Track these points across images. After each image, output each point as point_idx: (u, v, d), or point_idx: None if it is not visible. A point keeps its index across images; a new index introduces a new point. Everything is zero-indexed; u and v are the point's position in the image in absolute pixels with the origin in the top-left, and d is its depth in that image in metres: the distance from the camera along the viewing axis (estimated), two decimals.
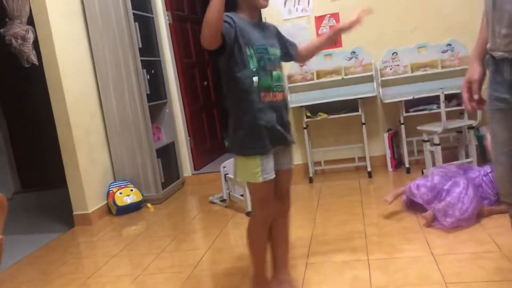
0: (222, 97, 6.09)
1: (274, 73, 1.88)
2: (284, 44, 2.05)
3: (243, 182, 1.99)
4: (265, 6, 1.87)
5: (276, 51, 1.93)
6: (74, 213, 3.79)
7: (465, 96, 1.65)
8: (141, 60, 4.01)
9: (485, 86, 1.64)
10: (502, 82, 1.50)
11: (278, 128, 1.89)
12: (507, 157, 1.57)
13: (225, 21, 1.73)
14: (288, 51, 2.08)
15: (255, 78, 1.81)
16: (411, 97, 3.83)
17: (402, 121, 4.00)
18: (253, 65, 1.82)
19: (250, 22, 1.87)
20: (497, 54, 1.49)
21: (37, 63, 3.72)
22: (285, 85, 1.94)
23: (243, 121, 1.87)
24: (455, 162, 3.57)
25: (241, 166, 1.92)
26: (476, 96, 1.62)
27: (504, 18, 1.41)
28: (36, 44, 3.66)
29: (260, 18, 1.92)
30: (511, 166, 1.57)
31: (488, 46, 1.55)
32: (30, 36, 3.65)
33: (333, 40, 2.16)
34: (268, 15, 4.31)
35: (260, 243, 2.02)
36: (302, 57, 2.19)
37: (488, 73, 1.60)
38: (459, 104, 3.84)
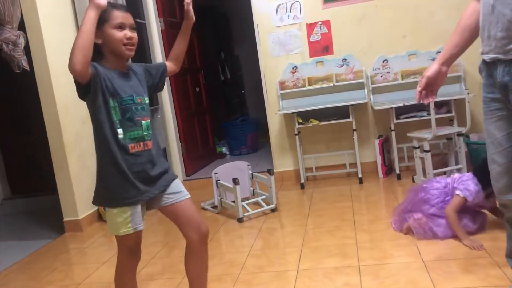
0: (215, 103, 6.12)
1: (143, 122, 1.79)
2: (153, 77, 1.92)
3: (112, 234, 1.87)
4: (130, 56, 1.76)
5: (144, 99, 1.82)
6: (65, 219, 3.77)
7: (417, 88, 1.81)
8: None
9: (474, 94, 1.72)
10: (494, 84, 1.57)
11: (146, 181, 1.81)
12: (503, 156, 1.61)
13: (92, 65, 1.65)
14: (156, 79, 1.95)
15: (120, 130, 1.74)
16: (401, 104, 3.86)
17: (392, 128, 4.03)
18: (116, 116, 1.73)
19: (115, 71, 1.75)
20: (490, 56, 1.54)
21: (28, 68, 3.69)
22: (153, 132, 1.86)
23: (110, 175, 1.79)
24: (445, 169, 3.60)
25: (109, 217, 1.84)
26: (418, 88, 1.79)
27: (502, 22, 1.46)
28: (27, 50, 3.64)
29: (126, 67, 1.81)
30: (507, 165, 1.61)
31: (481, 50, 1.61)
32: (21, 41, 3.62)
33: (188, 16, 1.90)
34: (260, 23, 4.34)
35: None
36: (174, 60, 2.01)
37: (482, 79, 1.68)
38: (449, 111, 3.88)
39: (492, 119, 1.63)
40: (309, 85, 4.35)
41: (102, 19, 1.69)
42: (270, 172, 3.58)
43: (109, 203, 1.83)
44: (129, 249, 1.91)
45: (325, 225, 3.11)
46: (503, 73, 1.52)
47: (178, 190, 1.91)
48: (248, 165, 3.91)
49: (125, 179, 1.77)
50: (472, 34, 1.69)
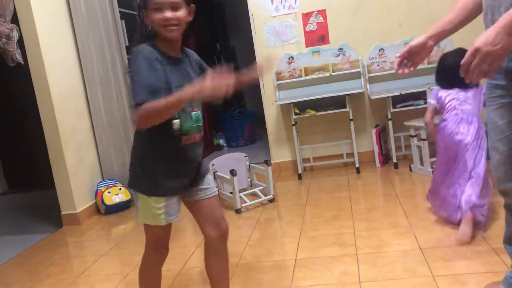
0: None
1: (193, 113, 1.71)
2: (200, 72, 1.81)
3: (141, 222, 1.79)
4: (174, 37, 1.65)
5: None
6: (62, 213, 3.76)
7: (397, 59, 1.74)
8: (128, 59, 3.98)
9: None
10: (500, 70, 1.51)
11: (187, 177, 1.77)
12: (504, 144, 1.57)
13: (156, 60, 1.58)
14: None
15: (176, 121, 1.65)
16: (398, 93, 3.85)
17: (389, 117, 4.03)
18: None
19: (168, 58, 1.65)
20: None
21: (22, 62, 3.67)
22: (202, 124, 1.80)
23: (155, 163, 1.70)
24: None
25: (143, 205, 1.75)
26: (398, 54, 1.73)
27: (505, 6, 1.38)
28: (20, 43, 3.61)
29: (178, 50, 1.71)
30: (508, 153, 1.58)
31: None
32: (15, 34, 3.60)
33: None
34: (255, 13, 4.32)
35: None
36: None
37: None
38: None
39: (495, 105, 1.59)
40: (306, 75, 4.33)
41: (143, 2, 1.63)
42: (267, 163, 3.58)
43: (148, 190, 1.72)
44: (157, 242, 1.84)
45: (323, 215, 3.12)
46: (509, 59, 1.46)
47: (208, 186, 1.86)
48: (245, 156, 3.91)
49: (170, 170, 1.70)
50: (468, 15, 1.65)
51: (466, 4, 1.65)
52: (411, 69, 1.74)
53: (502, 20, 1.26)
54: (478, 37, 1.28)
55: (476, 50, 1.27)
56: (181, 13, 1.64)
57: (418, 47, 1.70)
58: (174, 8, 1.62)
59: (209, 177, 1.90)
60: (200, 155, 1.82)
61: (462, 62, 1.31)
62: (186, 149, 1.72)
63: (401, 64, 1.74)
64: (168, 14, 1.61)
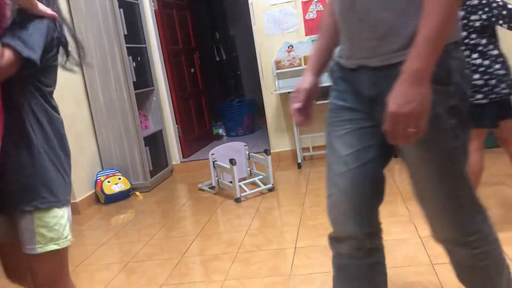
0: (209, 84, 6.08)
1: None
2: None
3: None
4: None
5: None
6: None
7: (292, 106, 1.39)
8: (127, 47, 3.96)
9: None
10: (351, 91, 1.25)
11: None
12: (346, 178, 1.26)
13: None
14: None
15: None
16: None
17: None
18: None
19: None
20: (351, 62, 1.22)
21: None
22: None
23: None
24: None
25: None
26: (297, 105, 1.36)
27: (366, 20, 1.13)
28: None
29: None
30: (350, 190, 1.26)
31: (338, 53, 1.30)
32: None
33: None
34: (255, 1, 4.28)
35: None
36: None
37: (331, 82, 1.34)
38: None
39: (340, 131, 1.27)
40: (306, 64, 4.30)
41: None
42: (267, 152, 3.57)
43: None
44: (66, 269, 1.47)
45: (322, 204, 3.12)
46: (370, 84, 1.18)
47: None
48: (244, 145, 3.90)
49: None
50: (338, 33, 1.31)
51: (330, 27, 1.32)
52: (309, 122, 1.41)
53: (406, 70, 1.02)
54: (390, 96, 1.04)
55: (393, 116, 1.03)
56: None
57: (313, 88, 1.37)
58: None
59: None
60: None
61: (386, 130, 1.07)
62: None
63: (300, 115, 1.39)
64: None
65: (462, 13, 2.17)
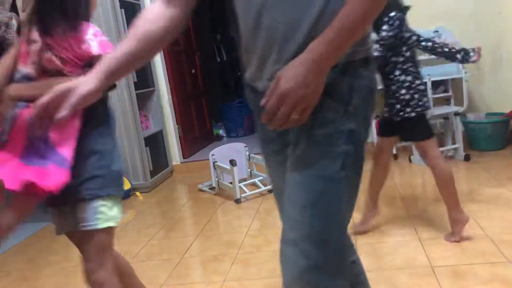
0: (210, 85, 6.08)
1: None
2: None
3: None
4: None
5: None
6: None
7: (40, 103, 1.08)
8: None
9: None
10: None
11: None
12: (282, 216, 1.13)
13: None
14: None
15: None
16: None
17: None
18: None
19: None
20: (262, 85, 1.08)
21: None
22: None
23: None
24: (441, 148, 3.60)
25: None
26: (64, 113, 1.05)
27: (274, 37, 0.99)
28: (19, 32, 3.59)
29: None
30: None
31: (247, 76, 1.20)
32: (14, 23, 3.58)
33: None
34: None
35: None
36: None
37: (253, 111, 1.21)
38: (445, 91, 3.87)
39: (274, 163, 1.17)
40: None
41: None
42: None
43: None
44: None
45: None
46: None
47: None
48: (245, 146, 3.91)
49: None
50: (159, 46, 1.18)
51: (149, 33, 1.15)
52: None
53: (310, 51, 0.91)
54: (283, 71, 0.92)
55: (284, 95, 0.90)
56: None
57: (89, 93, 1.07)
58: None
59: None
60: None
61: (266, 106, 0.93)
62: None
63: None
64: None
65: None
